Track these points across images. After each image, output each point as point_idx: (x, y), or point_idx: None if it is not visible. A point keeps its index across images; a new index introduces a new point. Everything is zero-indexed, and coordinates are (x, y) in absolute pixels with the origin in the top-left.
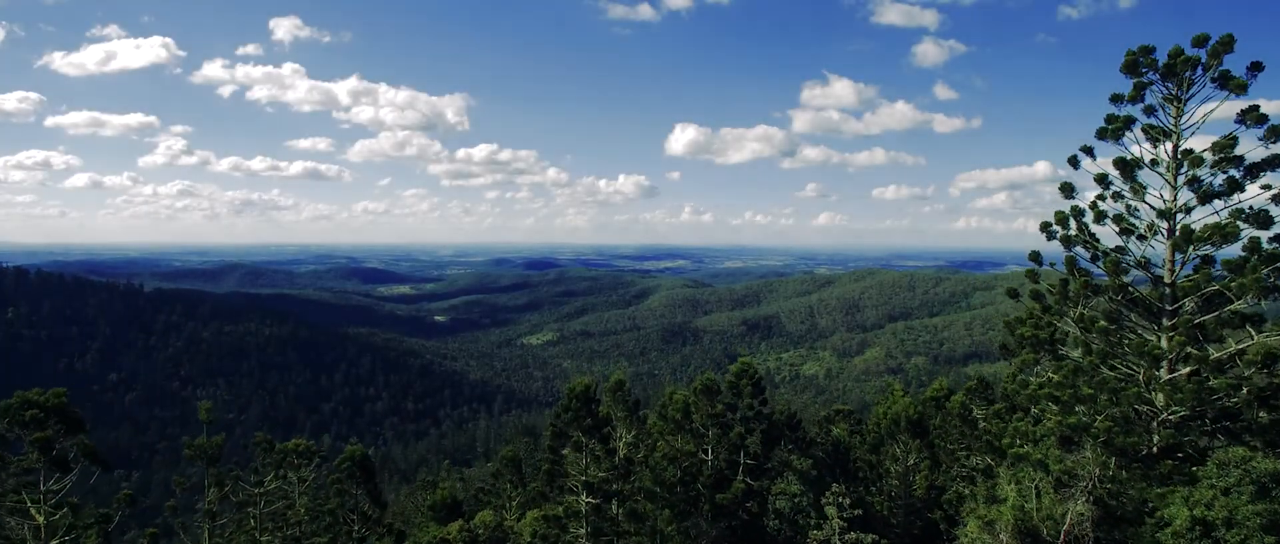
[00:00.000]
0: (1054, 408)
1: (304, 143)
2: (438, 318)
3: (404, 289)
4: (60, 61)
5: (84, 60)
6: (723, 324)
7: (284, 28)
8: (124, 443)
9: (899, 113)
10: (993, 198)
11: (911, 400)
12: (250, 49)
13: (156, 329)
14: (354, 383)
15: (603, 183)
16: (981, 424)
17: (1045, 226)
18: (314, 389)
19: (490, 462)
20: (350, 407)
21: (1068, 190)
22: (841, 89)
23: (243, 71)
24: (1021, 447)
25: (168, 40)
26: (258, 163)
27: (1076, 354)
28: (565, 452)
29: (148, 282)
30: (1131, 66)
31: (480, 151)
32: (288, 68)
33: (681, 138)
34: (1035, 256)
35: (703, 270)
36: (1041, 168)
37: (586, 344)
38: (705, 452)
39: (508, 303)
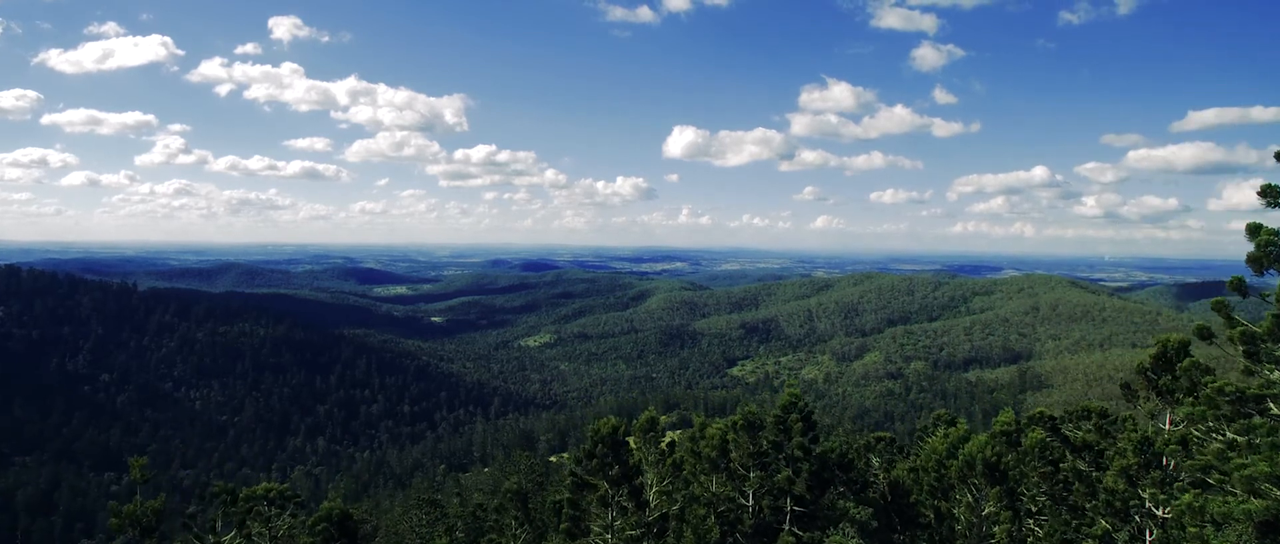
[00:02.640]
0: (1273, 488)
1: (302, 142)
2: (434, 319)
3: (401, 290)
4: (57, 59)
5: (81, 58)
6: (721, 327)
7: (283, 27)
8: (115, 444)
9: (897, 117)
10: (990, 202)
11: (987, 438)
12: (249, 48)
13: (150, 329)
14: (349, 385)
15: (601, 184)
16: (1097, 477)
17: (1261, 247)
18: (309, 391)
19: (487, 467)
20: (345, 409)
21: (1274, 195)
22: (840, 92)
23: (241, 70)
24: (1214, 540)
25: (166, 39)
26: (255, 162)
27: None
28: (589, 504)
29: (144, 280)
30: None
31: (478, 152)
32: (286, 67)
33: (680, 140)
34: (1238, 284)
35: (700, 272)
36: (1039, 172)
37: (584, 346)
38: (745, 496)
39: (505, 304)
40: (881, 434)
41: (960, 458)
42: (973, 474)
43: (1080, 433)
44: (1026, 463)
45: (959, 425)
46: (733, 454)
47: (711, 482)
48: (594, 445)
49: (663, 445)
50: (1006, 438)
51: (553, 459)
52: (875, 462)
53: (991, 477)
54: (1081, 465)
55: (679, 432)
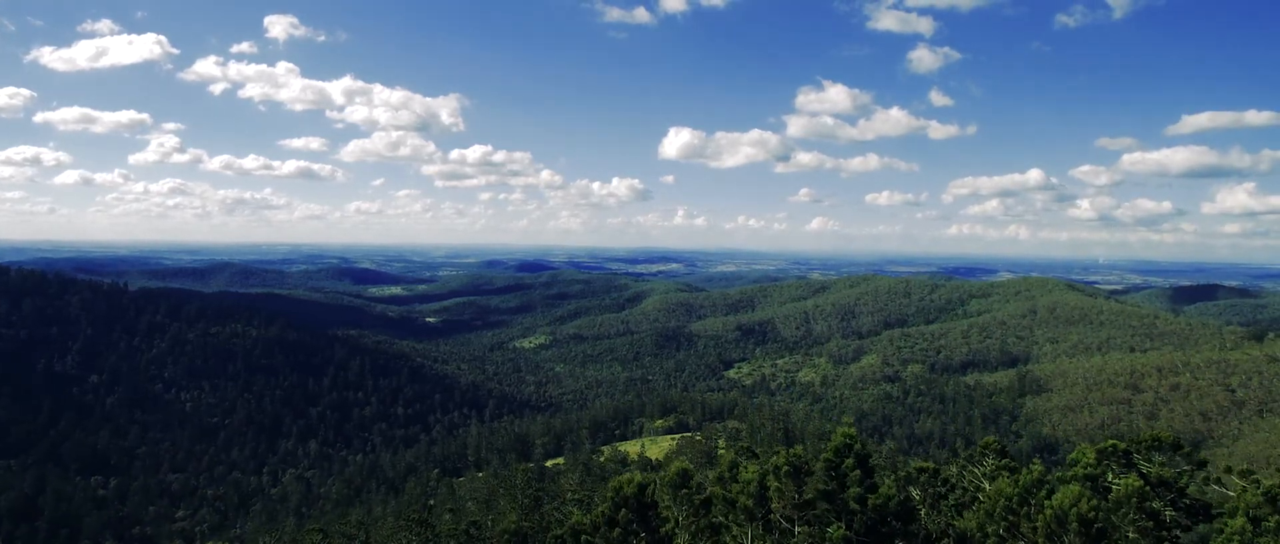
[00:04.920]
0: None
1: (297, 142)
2: (429, 319)
3: (395, 290)
4: (50, 57)
5: (75, 56)
6: (717, 329)
7: (279, 26)
8: (103, 447)
9: (893, 119)
10: (985, 205)
11: (1079, 488)
12: (244, 47)
13: (140, 330)
14: (342, 387)
15: (596, 185)
16: (1176, 519)
17: None
18: (301, 392)
19: (481, 472)
20: (338, 411)
21: None
22: (836, 94)
23: (236, 69)
24: None
25: (161, 37)
26: (250, 161)
27: None
28: None
29: (137, 280)
30: None
31: (474, 153)
32: (281, 66)
33: (676, 141)
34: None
35: (696, 274)
36: (1034, 175)
37: (579, 348)
38: None
39: (500, 305)
40: (924, 465)
41: (1048, 511)
42: (1065, 532)
43: (1153, 466)
44: (1119, 513)
45: (1033, 467)
46: (774, 503)
47: (747, 535)
48: (615, 510)
49: (697, 501)
50: (1090, 483)
51: (548, 464)
52: (915, 494)
53: (1087, 535)
54: (1157, 504)
55: (675, 437)
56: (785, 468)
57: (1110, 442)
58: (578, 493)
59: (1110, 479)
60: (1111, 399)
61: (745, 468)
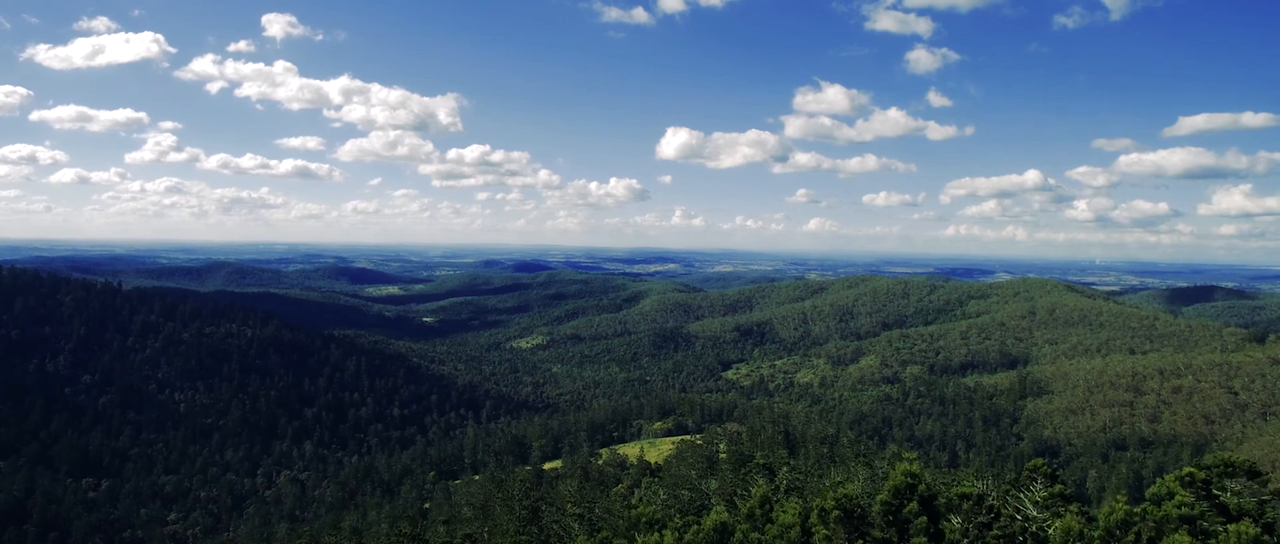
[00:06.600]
0: None
1: (294, 141)
2: (426, 319)
3: (392, 290)
4: (46, 55)
5: (71, 54)
6: (715, 330)
7: (277, 25)
8: (95, 448)
9: (892, 120)
10: (982, 205)
11: (1191, 540)
12: (241, 46)
13: (134, 329)
14: (338, 387)
15: (594, 185)
16: None
17: None
18: (297, 393)
19: (478, 474)
20: (334, 412)
21: None
22: (834, 95)
23: (233, 68)
24: None
25: (158, 35)
26: (247, 160)
27: None
28: None
29: (133, 279)
30: None
31: (472, 152)
32: (279, 65)
33: (673, 141)
34: None
35: (693, 274)
36: (1031, 176)
37: (577, 348)
38: None
39: (497, 305)
40: (966, 490)
41: None
42: None
43: (1228, 494)
44: None
45: (1117, 506)
46: None
47: None
48: None
49: None
50: (1189, 524)
51: (546, 466)
52: (956, 523)
53: None
54: None
55: (674, 440)
56: (835, 512)
57: (1188, 470)
58: (578, 505)
59: (1206, 522)
60: (1113, 401)
61: (783, 510)
